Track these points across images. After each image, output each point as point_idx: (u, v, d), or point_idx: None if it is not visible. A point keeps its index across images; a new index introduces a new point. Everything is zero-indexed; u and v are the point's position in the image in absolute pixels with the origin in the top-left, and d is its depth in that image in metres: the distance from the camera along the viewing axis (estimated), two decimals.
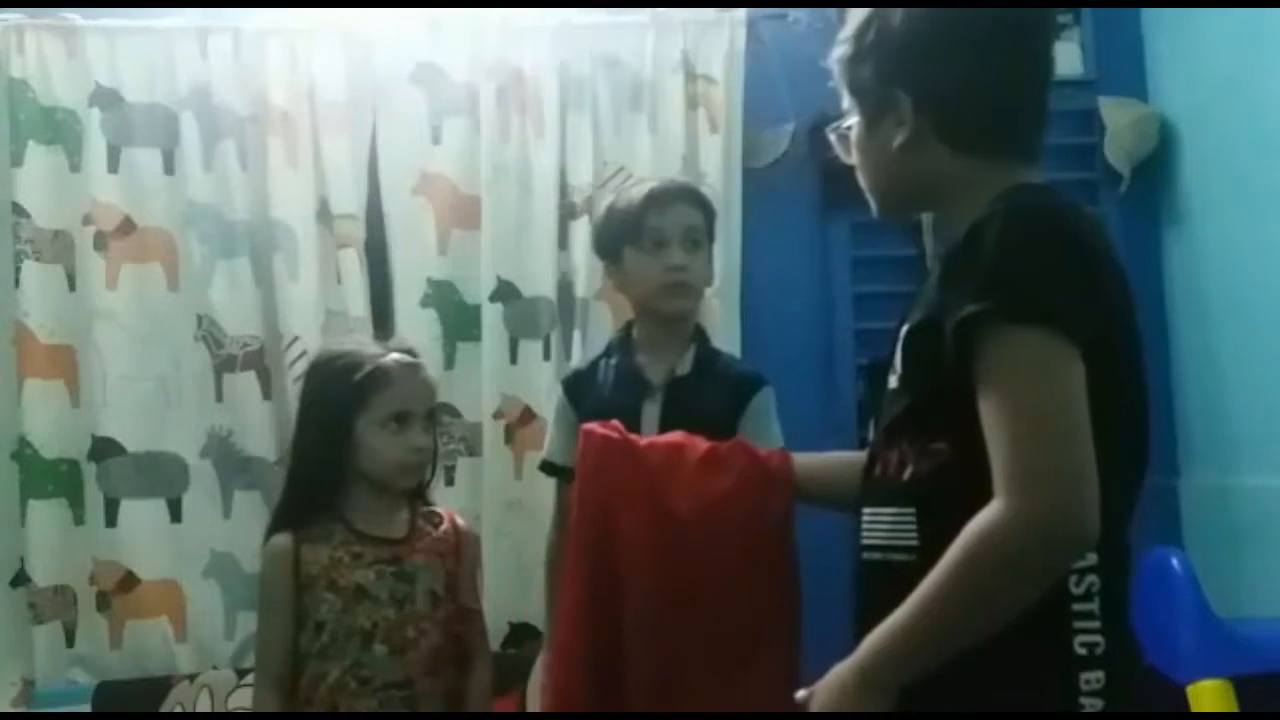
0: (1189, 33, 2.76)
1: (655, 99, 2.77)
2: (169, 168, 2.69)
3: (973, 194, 1.30)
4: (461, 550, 2.05)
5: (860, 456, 1.46)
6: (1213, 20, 2.64)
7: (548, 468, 2.19)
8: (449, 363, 2.75)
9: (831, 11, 2.93)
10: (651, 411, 2.01)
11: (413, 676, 1.91)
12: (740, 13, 2.81)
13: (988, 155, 1.36)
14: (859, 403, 2.78)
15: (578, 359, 2.62)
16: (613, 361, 2.11)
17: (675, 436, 1.76)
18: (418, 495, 2.06)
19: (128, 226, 2.66)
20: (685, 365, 2.06)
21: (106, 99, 2.66)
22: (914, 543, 1.27)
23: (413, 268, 2.75)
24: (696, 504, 1.65)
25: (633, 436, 1.75)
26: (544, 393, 2.65)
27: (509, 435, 2.71)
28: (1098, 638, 1.20)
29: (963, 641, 1.17)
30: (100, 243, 2.64)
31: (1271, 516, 2.46)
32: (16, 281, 2.60)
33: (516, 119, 2.75)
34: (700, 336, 2.13)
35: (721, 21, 2.80)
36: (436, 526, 2.03)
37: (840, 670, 1.25)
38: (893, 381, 1.32)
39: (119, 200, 2.66)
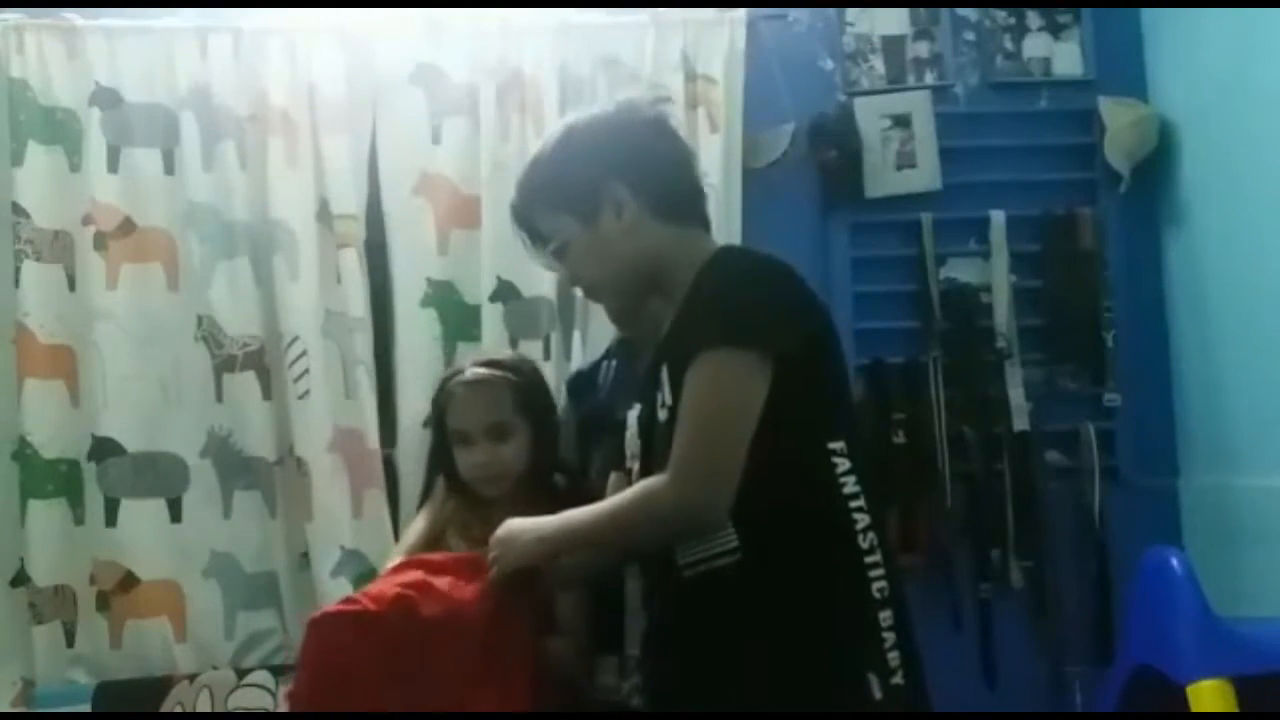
0: (1189, 33, 2.76)
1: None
2: (169, 168, 2.69)
3: (688, 262, 1.57)
4: None
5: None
6: (1212, 20, 2.64)
7: None
8: (449, 363, 2.73)
9: (831, 11, 2.94)
10: None
11: None
12: (740, 13, 2.81)
13: (690, 225, 1.66)
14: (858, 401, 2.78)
15: (577, 359, 2.62)
16: (613, 364, 2.13)
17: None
18: (541, 492, 2.08)
19: (128, 226, 2.66)
20: None
21: (106, 99, 2.66)
22: (734, 544, 1.49)
23: (413, 268, 2.75)
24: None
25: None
26: None
27: None
28: (884, 582, 1.51)
29: (607, 548, 1.69)
30: (100, 243, 2.63)
31: (1271, 516, 2.46)
32: (16, 281, 2.60)
33: (516, 119, 2.75)
34: None
35: (721, 21, 2.80)
36: None
37: (531, 525, 1.71)
38: (664, 415, 1.54)
39: (119, 200, 2.66)
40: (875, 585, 1.49)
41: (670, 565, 1.54)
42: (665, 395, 1.54)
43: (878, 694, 1.44)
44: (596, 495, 2.04)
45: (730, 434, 1.45)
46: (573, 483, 2.16)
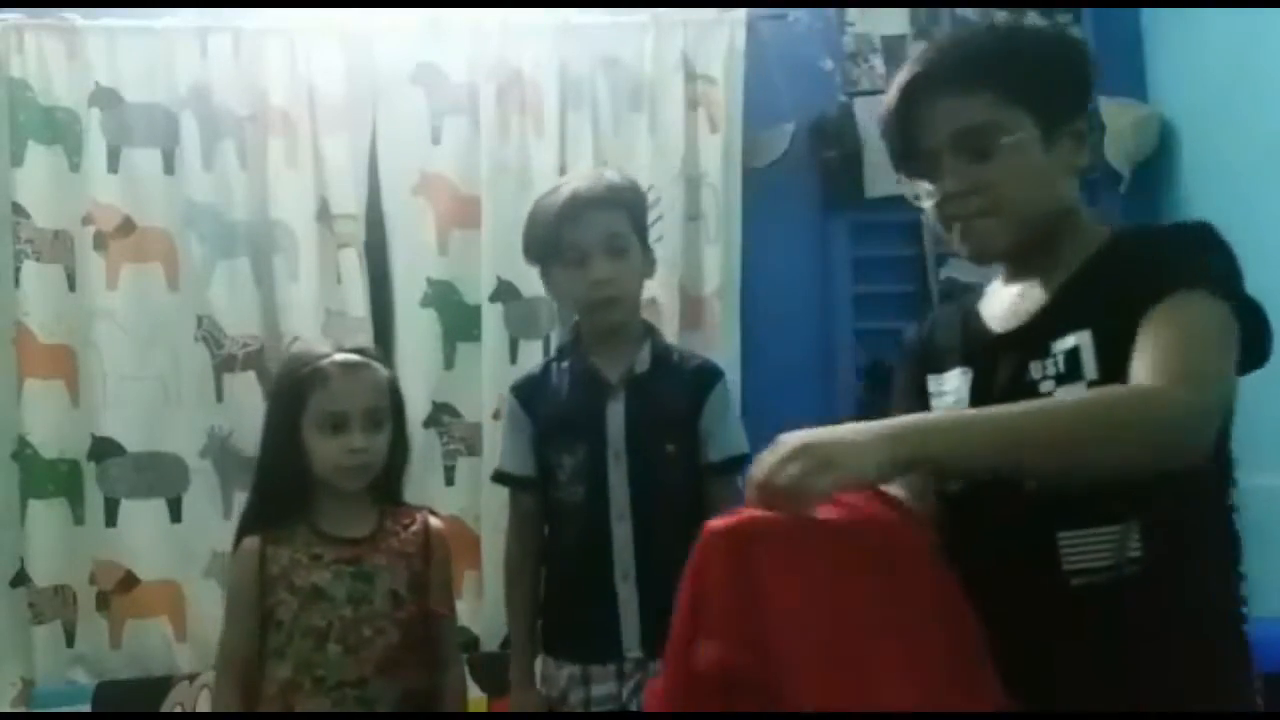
0: (1189, 33, 2.76)
1: (655, 99, 2.77)
2: (169, 168, 2.69)
3: (1083, 224, 1.38)
4: (431, 552, 1.99)
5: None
6: (1212, 20, 2.64)
7: (501, 478, 2.12)
8: (449, 363, 2.75)
9: (831, 11, 2.95)
10: (616, 410, 2.00)
11: (366, 675, 1.88)
12: (740, 13, 2.82)
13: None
14: (859, 402, 2.77)
15: None
16: (564, 364, 2.08)
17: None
18: (386, 495, 2.02)
19: (128, 226, 2.66)
20: (644, 363, 2.04)
21: (106, 99, 2.66)
22: (1137, 554, 1.27)
23: (413, 268, 2.75)
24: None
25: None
26: None
27: None
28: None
29: (1040, 457, 1.15)
30: (100, 243, 2.64)
31: (1271, 516, 2.46)
32: (16, 281, 2.60)
33: (516, 119, 2.75)
34: (651, 332, 2.12)
35: (721, 21, 2.81)
36: (406, 527, 1.99)
37: (859, 426, 1.18)
38: (1050, 387, 1.29)
39: (119, 200, 2.66)
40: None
41: (1049, 575, 1.26)
42: (1088, 371, 1.28)
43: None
44: (565, 501, 2.00)
45: (1228, 362, 1.30)
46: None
